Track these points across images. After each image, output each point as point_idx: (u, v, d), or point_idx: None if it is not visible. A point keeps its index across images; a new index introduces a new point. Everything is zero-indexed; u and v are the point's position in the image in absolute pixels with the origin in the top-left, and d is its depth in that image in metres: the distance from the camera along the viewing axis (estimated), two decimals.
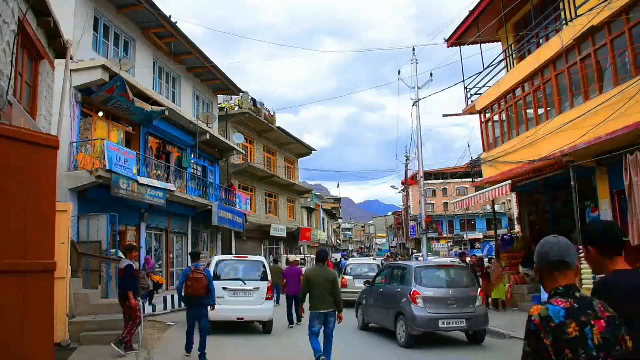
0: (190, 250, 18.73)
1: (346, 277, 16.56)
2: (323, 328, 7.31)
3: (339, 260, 45.38)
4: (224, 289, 10.56)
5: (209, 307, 8.15)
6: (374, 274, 12.70)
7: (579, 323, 1.91)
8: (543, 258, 2.16)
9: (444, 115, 19.35)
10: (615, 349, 1.91)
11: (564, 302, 1.98)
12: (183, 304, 9.62)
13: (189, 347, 8.10)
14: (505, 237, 19.07)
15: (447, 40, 18.24)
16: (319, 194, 49.84)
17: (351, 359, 8.38)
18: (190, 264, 8.42)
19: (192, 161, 20.63)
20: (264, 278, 11.04)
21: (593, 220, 2.16)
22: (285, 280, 12.82)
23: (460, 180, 52.19)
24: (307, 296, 7.43)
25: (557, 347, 1.89)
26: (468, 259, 17.02)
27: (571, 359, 1.88)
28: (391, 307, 9.81)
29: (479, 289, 9.83)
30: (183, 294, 8.08)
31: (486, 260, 17.66)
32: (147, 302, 13.66)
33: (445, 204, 58.77)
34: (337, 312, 7.38)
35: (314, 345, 7.24)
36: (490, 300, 14.11)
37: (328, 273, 7.53)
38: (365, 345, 9.72)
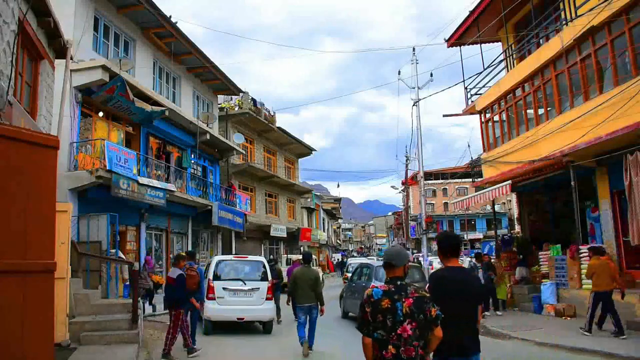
0: (189, 249, 19.00)
1: (348, 274, 18.88)
2: (308, 318, 8.48)
3: (340, 259, 45.27)
4: (224, 289, 10.56)
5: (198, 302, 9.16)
6: None
7: (392, 299, 3.11)
8: (383, 259, 3.47)
9: (444, 115, 19.34)
10: (419, 317, 3.09)
11: (385, 287, 3.22)
12: None
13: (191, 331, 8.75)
14: (505, 237, 19.06)
15: (447, 40, 18.24)
16: (319, 194, 49.80)
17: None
18: (186, 263, 9.09)
19: (192, 161, 20.63)
20: (264, 278, 11.03)
21: (440, 232, 4.20)
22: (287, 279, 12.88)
23: (460, 180, 52.19)
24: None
25: (373, 313, 3.12)
26: (493, 259, 15.25)
27: (381, 320, 3.10)
28: (358, 298, 11.78)
29: None
30: None
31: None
32: (147, 302, 13.65)
33: (445, 204, 58.80)
34: (319, 306, 8.55)
35: (299, 333, 8.40)
36: (490, 300, 13.97)
37: (311, 272, 8.67)
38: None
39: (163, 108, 15.77)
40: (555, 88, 13.45)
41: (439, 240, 3.79)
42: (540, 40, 14.60)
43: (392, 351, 3.06)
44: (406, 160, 31.33)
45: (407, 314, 3.08)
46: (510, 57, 16.31)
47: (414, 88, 20.47)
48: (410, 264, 4.19)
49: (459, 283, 3.54)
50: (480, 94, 17.48)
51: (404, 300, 3.11)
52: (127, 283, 12.67)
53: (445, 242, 3.71)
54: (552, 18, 14.15)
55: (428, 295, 3.23)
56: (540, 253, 14.30)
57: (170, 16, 17.33)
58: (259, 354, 8.95)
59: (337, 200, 64.53)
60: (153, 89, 17.40)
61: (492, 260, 14.76)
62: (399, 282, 3.22)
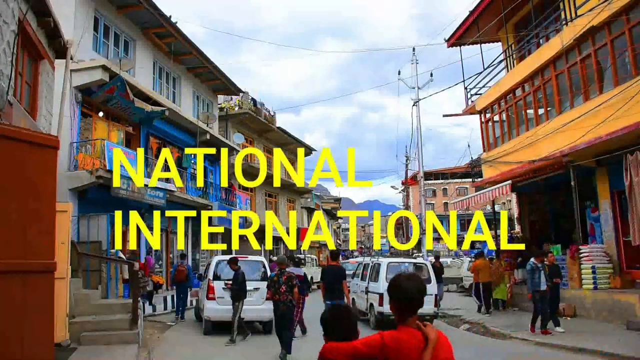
0: (190, 249, 19.19)
1: None
2: None
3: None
4: (224, 289, 10.54)
5: (188, 288, 13.29)
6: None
7: (279, 277, 8.44)
8: (277, 261, 9.80)
9: (444, 115, 19.35)
10: (288, 284, 8.29)
11: (276, 272, 8.66)
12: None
13: (177, 311, 12.86)
14: None
15: (447, 40, 18.23)
16: (318, 193, 49.78)
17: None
18: (178, 261, 13.51)
19: (192, 161, 20.61)
20: (264, 278, 11.00)
21: (331, 249, 11.90)
22: None
23: (460, 180, 52.17)
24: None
25: (270, 283, 8.65)
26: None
27: (273, 285, 8.41)
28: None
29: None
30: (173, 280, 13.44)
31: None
32: (147, 302, 13.64)
33: (445, 204, 58.71)
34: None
35: None
36: (491, 300, 13.93)
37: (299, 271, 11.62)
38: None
39: (163, 108, 15.76)
40: (555, 88, 13.45)
41: (330, 252, 10.20)
42: (540, 40, 14.60)
43: (277, 297, 8.12)
44: (406, 160, 31.34)
45: (283, 282, 8.15)
46: (510, 57, 16.31)
47: (414, 88, 20.45)
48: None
49: (333, 271, 9.13)
50: (480, 94, 17.48)
51: (282, 277, 8.23)
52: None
53: (331, 254, 9.99)
54: (552, 18, 14.15)
55: (294, 275, 8.52)
56: None
57: (170, 16, 17.32)
58: (259, 354, 8.95)
59: (337, 200, 64.52)
60: (153, 89, 17.38)
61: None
62: (282, 270, 8.37)
